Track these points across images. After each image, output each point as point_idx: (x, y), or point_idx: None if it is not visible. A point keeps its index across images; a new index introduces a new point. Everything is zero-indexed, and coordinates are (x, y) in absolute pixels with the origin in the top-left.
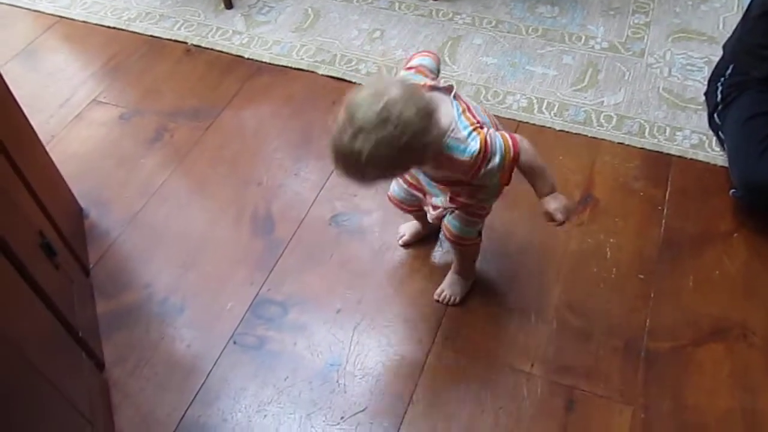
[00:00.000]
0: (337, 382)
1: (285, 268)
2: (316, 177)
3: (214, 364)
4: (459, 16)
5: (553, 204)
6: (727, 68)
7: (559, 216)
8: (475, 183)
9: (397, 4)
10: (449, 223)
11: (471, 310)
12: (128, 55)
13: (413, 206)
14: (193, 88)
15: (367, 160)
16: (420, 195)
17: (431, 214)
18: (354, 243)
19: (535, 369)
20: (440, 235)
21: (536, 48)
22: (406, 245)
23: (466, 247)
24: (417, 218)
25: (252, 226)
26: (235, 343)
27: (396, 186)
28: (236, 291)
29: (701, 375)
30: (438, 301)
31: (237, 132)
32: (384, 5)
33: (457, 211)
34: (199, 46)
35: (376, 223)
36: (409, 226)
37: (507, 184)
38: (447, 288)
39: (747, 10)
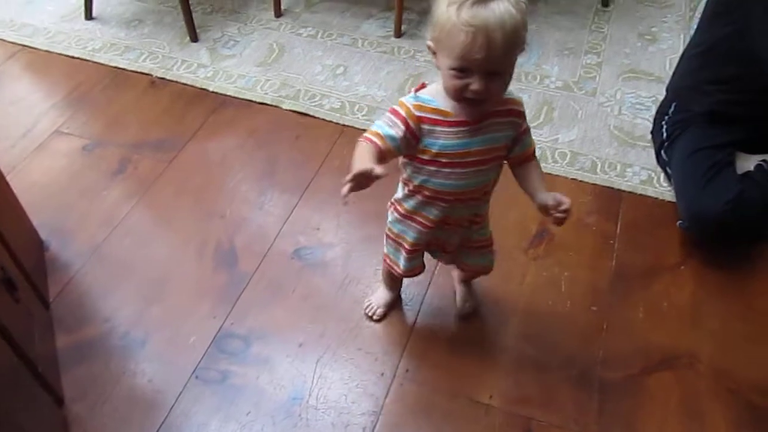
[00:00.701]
0: (300, 416)
1: (248, 302)
2: (279, 210)
3: (176, 400)
4: (420, 54)
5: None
6: (670, 106)
7: (565, 200)
8: (515, 148)
9: (360, 41)
10: (481, 260)
11: (432, 343)
12: (92, 85)
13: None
14: (158, 120)
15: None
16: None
17: (445, 257)
18: (317, 276)
19: (493, 400)
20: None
21: None
22: (382, 318)
23: (489, 270)
24: (393, 287)
25: (215, 260)
26: (197, 377)
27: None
28: (199, 325)
29: (652, 403)
30: (462, 314)
31: (201, 164)
32: (347, 42)
33: (477, 246)
34: (163, 79)
35: (339, 257)
36: (379, 298)
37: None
38: (470, 302)
39: (685, 49)
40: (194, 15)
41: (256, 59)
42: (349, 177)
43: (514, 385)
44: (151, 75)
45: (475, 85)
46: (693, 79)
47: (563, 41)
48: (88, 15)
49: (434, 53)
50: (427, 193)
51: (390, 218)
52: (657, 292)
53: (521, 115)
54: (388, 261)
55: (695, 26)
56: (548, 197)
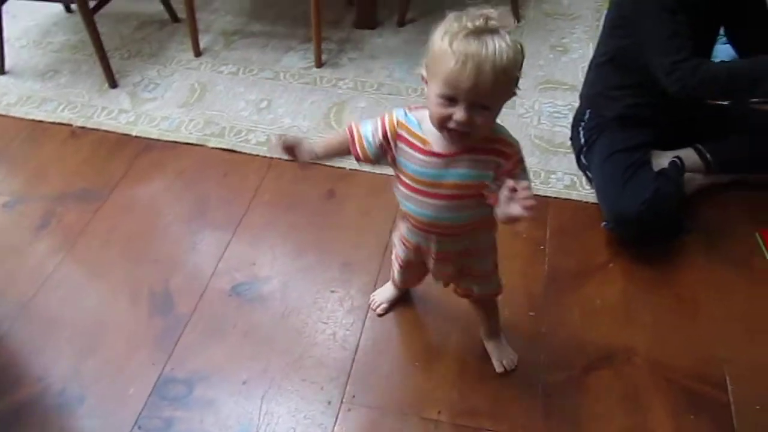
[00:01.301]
0: None
1: (187, 345)
2: (213, 249)
3: None
4: (342, 82)
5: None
6: (585, 113)
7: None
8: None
9: (282, 73)
10: (488, 287)
11: (376, 365)
12: (9, 141)
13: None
14: (80, 170)
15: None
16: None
17: (443, 280)
18: (256, 312)
19: (442, 415)
20: None
21: None
22: (385, 313)
23: (497, 294)
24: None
25: (150, 306)
26: (140, 428)
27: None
28: (138, 374)
29: (595, 401)
30: (505, 370)
31: (128, 211)
32: (269, 75)
33: (476, 275)
34: (84, 127)
35: (277, 289)
36: (384, 294)
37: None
38: (504, 357)
39: (592, 59)
40: (111, 61)
41: (178, 100)
42: (288, 138)
43: (460, 397)
44: (71, 125)
45: (459, 114)
46: (601, 86)
47: None
48: (1, 70)
49: (426, 81)
50: (408, 216)
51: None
52: (589, 291)
53: (507, 156)
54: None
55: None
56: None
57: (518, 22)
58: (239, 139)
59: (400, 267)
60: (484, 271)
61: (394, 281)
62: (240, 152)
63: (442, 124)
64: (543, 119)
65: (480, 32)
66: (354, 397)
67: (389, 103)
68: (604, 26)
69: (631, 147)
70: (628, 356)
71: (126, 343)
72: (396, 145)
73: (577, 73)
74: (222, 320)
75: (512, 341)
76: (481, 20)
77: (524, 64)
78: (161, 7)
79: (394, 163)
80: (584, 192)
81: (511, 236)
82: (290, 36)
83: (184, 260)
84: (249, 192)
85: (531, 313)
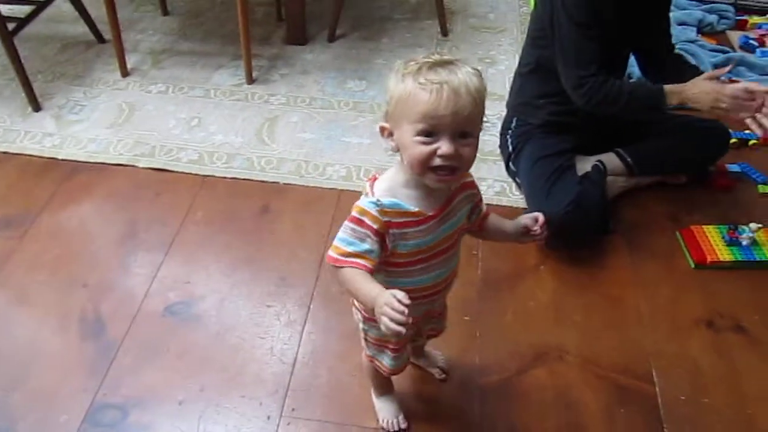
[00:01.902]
0: None
1: (120, 369)
2: (145, 270)
3: None
4: (274, 97)
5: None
6: (512, 121)
7: (541, 217)
8: (472, 216)
9: (212, 91)
10: (444, 319)
11: (314, 377)
12: None
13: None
14: (4, 196)
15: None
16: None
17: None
18: (191, 331)
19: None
20: None
21: (349, 120)
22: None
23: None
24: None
25: (80, 331)
26: None
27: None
28: (69, 402)
29: (529, 401)
30: (446, 375)
31: (56, 236)
32: (200, 93)
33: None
34: (7, 153)
35: (212, 307)
36: (390, 409)
37: None
38: (438, 362)
39: (516, 69)
40: (35, 84)
41: (106, 121)
42: (392, 321)
43: (399, 402)
44: None
45: (444, 147)
46: (526, 95)
47: None
48: None
49: (390, 134)
50: (407, 291)
51: (364, 325)
52: (522, 293)
53: (475, 186)
54: (375, 363)
55: None
56: (525, 221)
57: (446, 36)
58: (170, 158)
59: (397, 352)
60: (444, 302)
61: (382, 386)
62: (171, 171)
63: (425, 165)
64: None
65: (442, 63)
66: (293, 410)
67: (321, 117)
68: (527, 37)
69: (556, 153)
70: (560, 355)
71: (56, 371)
72: (390, 234)
73: (505, 83)
74: (156, 342)
75: (447, 347)
76: (436, 56)
77: None
78: (86, 28)
79: (385, 254)
80: (514, 198)
81: None
82: (220, 53)
83: (116, 283)
84: (182, 211)
85: (466, 318)
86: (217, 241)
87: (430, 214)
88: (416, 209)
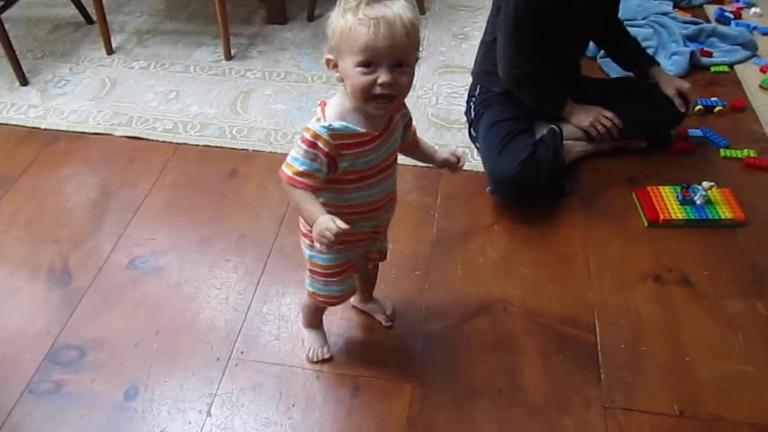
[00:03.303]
0: (136, 409)
1: (83, 315)
2: (114, 228)
3: (8, 415)
4: (250, 72)
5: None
6: (476, 89)
7: (460, 151)
8: (405, 135)
9: (192, 67)
10: (386, 242)
11: (264, 323)
12: None
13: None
14: None
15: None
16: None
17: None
18: (151, 282)
19: (324, 366)
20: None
21: (321, 93)
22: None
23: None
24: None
25: (48, 281)
26: (30, 392)
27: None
28: (32, 342)
29: (469, 346)
30: (392, 322)
31: (33, 196)
32: (180, 69)
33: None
34: None
35: (174, 261)
36: (317, 340)
37: None
38: (386, 309)
39: (482, 37)
40: (24, 61)
41: (88, 94)
42: (323, 240)
43: (343, 349)
44: None
45: (383, 77)
46: (489, 63)
47: None
48: None
49: (335, 65)
50: (354, 208)
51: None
52: (473, 250)
53: (406, 107)
54: (317, 298)
55: None
56: (446, 155)
57: (423, 14)
58: (146, 127)
59: (342, 275)
60: (387, 223)
61: (312, 319)
62: (146, 139)
63: (367, 93)
64: (441, 99)
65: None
66: (242, 353)
67: (294, 90)
68: (492, 7)
69: (513, 117)
70: (504, 305)
71: (21, 316)
72: (340, 156)
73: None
74: (117, 292)
75: (396, 299)
76: None
77: (426, 51)
78: (75, 10)
79: (334, 173)
80: (475, 162)
81: (402, 204)
82: (202, 33)
83: (85, 239)
84: (153, 175)
85: (416, 272)
86: (184, 202)
87: (376, 133)
88: (364, 130)
